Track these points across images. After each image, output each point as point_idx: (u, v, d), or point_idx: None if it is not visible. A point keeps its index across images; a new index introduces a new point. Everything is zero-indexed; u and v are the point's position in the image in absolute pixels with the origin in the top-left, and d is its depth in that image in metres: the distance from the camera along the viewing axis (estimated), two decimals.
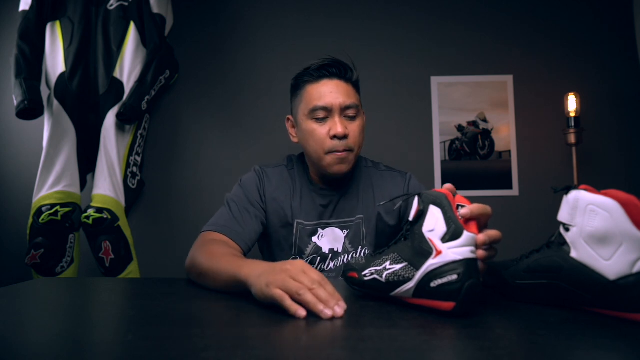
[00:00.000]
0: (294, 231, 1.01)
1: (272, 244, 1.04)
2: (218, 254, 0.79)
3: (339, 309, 0.53)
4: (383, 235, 1.03)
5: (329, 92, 0.96)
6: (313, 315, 0.54)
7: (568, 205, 0.53)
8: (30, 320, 0.55)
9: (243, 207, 0.99)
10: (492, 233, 0.58)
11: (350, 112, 0.97)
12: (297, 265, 0.58)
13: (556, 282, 0.54)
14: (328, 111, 0.96)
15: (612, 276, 0.48)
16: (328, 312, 0.52)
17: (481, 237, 0.56)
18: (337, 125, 0.95)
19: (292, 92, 1.05)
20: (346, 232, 1.02)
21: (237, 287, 0.66)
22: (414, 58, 1.96)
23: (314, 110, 0.96)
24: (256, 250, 1.14)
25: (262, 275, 0.59)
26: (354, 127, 0.98)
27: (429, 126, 1.94)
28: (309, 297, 0.54)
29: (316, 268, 1.01)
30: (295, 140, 1.07)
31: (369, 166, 1.11)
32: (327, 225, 1.02)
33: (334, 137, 0.95)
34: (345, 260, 1.01)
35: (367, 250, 1.02)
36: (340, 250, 1.01)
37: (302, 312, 0.53)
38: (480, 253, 0.55)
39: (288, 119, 1.08)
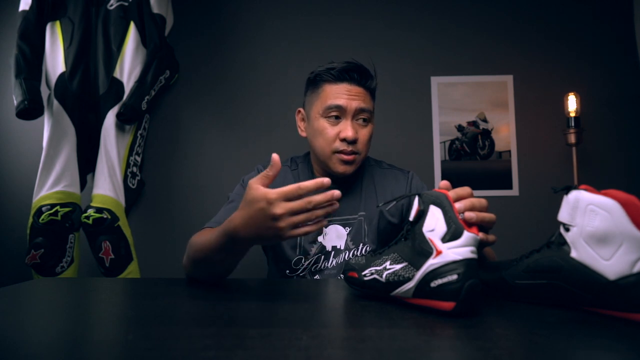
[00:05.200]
0: None
1: (275, 245, 1.05)
2: (206, 233, 0.80)
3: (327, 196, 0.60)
4: (385, 233, 1.03)
5: (346, 94, 0.97)
6: (313, 316, 0.54)
7: (568, 205, 0.53)
8: (30, 320, 0.55)
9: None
10: (484, 214, 0.61)
11: (364, 116, 0.99)
12: (267, 210, 0.60)
13: (556, 282, 0.54)
14: (342, 112, 0.97)
15: (612, 276, 0.48)
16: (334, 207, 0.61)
17: (469, 214, 0.58)
18: (348, 129, 0.96)
19: (308, 86, 1.05)
20: (348, 230, 1.03)
21: (230, 244, 0.67)
22: (414, 58, 1.96)
23: (329, 108, 0.98)
24: (259, 250, 1.14)
25: (251, 227, 0.63)
26: (364, 132, 0.99)
27: (429, 126, 1.94)
28: (315, 215, 0.61)
29: (319, 266, 1.01)
30: (303, 134, 1.07)
31: (371, 164, 1.12)
32: (330, 222, 1.03)
33: (344, 139, 0.96)
34: (347, 258, 1.01)
35: (368, 248, 1.02)
36: (342, 248, 1.02)
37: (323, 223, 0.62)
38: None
39: (299, 111, 1.08)
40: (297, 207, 0.59)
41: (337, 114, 0.98)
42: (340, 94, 0.97)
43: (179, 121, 1.97)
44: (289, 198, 0.60)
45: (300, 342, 0.42)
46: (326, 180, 0.60)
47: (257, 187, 0.62)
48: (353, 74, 0.98)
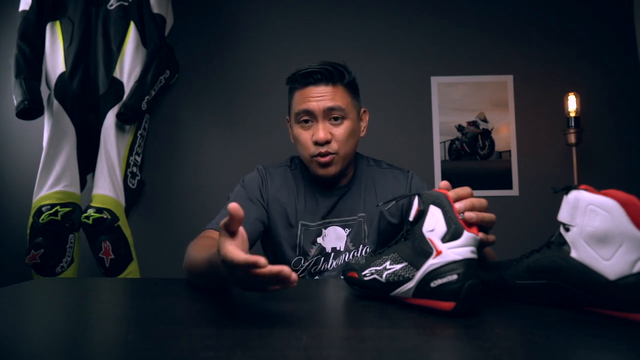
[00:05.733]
0: (298, 232, 1.02)
1: (275, 245, 1.04)
2: (201, 247, 0.76)
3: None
4: (385, 234, 1.03)
5: (313, 97, 0.96)
6: (313, 316, 0.54)
7: (568, 205, 0.53)
8: (30, 320, 0.55)
9: (242, 205, 0.99)
10: (484, 214, 0.60)
11: (335, 114, 0.97)
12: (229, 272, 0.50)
13: (556, 282, 0.54)
14: (312, 115, 0.97)
15: (612, 276, 0.48)
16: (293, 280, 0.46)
17: (469, 214, 0.57)
18: (319, 131, 0.95)
19: (288, 94, 1.05)
20: (348, 231, 1.02)
21: (214, 276, 0.59)
22: (414, 58, 1.96)
23: (298, 114, 0.98)
24: (259, 251, 1.14)
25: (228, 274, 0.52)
26: (339, 131, 0.97)
27: (429, 126, 1.94)
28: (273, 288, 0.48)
29: (319, 268, 1.01)
30: (293, 140, 1.07)
31: (370, 165, 1.11)
32: (329, 224, 1.03)
33: (316, 142, 0.96)
34: (346, 259, 1.01)
35: (368, 249, 1.02)
36: (342, 249, 1.02)
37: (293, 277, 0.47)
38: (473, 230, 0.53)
39: (287, 119, 1.09)
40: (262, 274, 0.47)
41: (307, 118, 0.97)
42: (306, 97, 0.97)
43: (179, 121, 1.97)
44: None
45: (300, 342, 0.42)
46: (293, 277, 0.47)
47: (223, 247, 0.49)
48: (316, 75, 0.96)
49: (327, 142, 0.96)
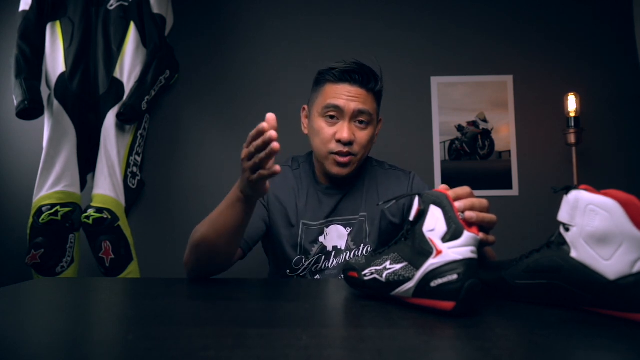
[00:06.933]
0: (299, 232, 1.02)
1: (275, 244, 1.04)
2: (206, 220, 0.85)
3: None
4: (386, 233, 1.03)
5: (346, 95, 0.97)
6: (313, 316, 0.54)
7: (568, 205, 0.53)
8: (30, 320, 0.55)
9: None
10: (484, 215, 0.61)
11: (363, 119, 0.98)
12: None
13: (556, 282, 0.54)
14: (340, 112, 0.97)
15: (612, 276, 0.48)
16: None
17: (469, 213, 0.58)
18: (344, 130, 0.96)
19: (314, 85, 1.06)
20: (349, 230, 1.03)
21: (240, 208, 0.77)
22: (414, 58, 1.96)
23: (327, 107, 0.97)
24: (260, 250, 1.14)
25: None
26: (362, 135, 0.98)
27: (429, 126, 1.94)
28: (259, 158, 0.68)
29: (320, 266, 1.02)
30: (305, 131, 1.08)
31: (373, 165, 1.12)
32: (331, 222, 1.03)
33: (339, 141, 0.96)
34: (347, 258, 1.01)
35: (369, 248, 1.02)
36: (343, 248, 1.02)
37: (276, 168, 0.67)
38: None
39: (304, 108, 1.09)
40: (246, 152, 0.69)
41: (335, 114, 0.97)
42: (339, 94, 0.97)
43: (179, 121, 1.97)
44: (248, 144, 0.68)
45: (300, 342, 0.42)
46: (263, 124, 0.64)
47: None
48: (355, 75, 0.97)
49: (350, 143, 0.97)
